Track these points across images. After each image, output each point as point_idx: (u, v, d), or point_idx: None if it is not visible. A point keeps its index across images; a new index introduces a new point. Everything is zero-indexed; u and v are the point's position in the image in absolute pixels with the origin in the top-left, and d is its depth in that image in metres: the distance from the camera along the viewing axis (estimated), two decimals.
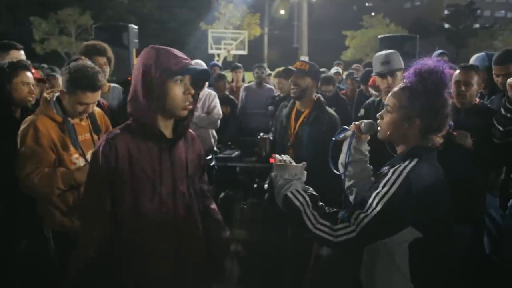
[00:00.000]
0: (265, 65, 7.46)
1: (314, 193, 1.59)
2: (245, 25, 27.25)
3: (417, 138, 1.57)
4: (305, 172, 1.66)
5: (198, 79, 1.64)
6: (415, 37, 5.74)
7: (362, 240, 1.46)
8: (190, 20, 30.06)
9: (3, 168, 2.49)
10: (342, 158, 1.86)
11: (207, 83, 4.59)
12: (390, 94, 1.64)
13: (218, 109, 4.60)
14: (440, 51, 5.21)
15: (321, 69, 7.60)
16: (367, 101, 3.41)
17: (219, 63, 11.24)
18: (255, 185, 4.42)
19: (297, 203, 1.53)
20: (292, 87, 3.10)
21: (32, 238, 2.69)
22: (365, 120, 1.79)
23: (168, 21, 31.59)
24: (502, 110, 2.72)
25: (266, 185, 3.75)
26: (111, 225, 1.55)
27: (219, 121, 4.62)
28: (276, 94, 5.59)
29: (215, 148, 4.76)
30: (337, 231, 1.44)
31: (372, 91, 4.43)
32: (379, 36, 5.95)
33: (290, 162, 1.66)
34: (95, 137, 2.45)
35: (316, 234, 1.47)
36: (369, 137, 1.86)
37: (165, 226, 1.60)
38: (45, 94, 2.41)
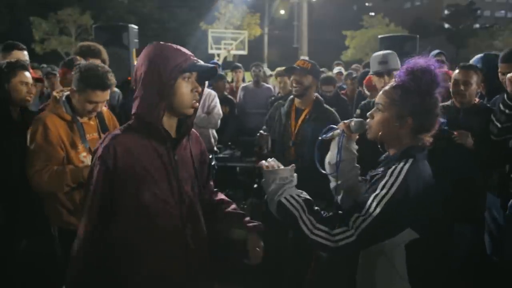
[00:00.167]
0: (265, 65, 7.46)
1: (308, 197, 1.55)
2: (245, 25, 27.24)
3: (408, 137, 1.56)
4: (295, 174, 1.61)
5: (204, 77, 1.62)
6: (415, 37, 5.74)
7: (362, 243, 1.44)
8: (190, 20, 30.05)
9: (2, 168, 2.48)
10: (330, 157, 1.82)
11: (206, 83, 4.59)
12: (381, 92, 1.61)
13: (219, 109, 4.60)
14: (437, 51, 5.21)
15: (321, 69, 7.62)
16: (363, 102, 3.42)
17: (219, 63, 11.24)
18: (255, 185, 4.41)
19: (292, 209, 1.49)
20: (294, 85, 3.10)
21: (33, 238, 2.69)
22: (355, 119, 1.76)
23: (168, 21, 31.59)
24: (501, 106, 2.72)
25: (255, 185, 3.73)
26: (110, 225, 1.53)
27: (219, 121, 4.62)
28: (277, 93, 5.60)
29: (215, 148, 4.76)
30: (336, 236, 1.41)
31: (365, 90, 4.43)
32: (379, 36, 5.94)
33: (278, 166, 1.60)
34: (103, 136, 2.46)
35: (313, 240, 1.43)
36: (357, 136, 1.82)
37: (170, 226, 1.57)
38: (54, 93, 2.47)
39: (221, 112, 4.64)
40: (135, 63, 1.67)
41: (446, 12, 44.75)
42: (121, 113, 3.36)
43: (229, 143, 5.24)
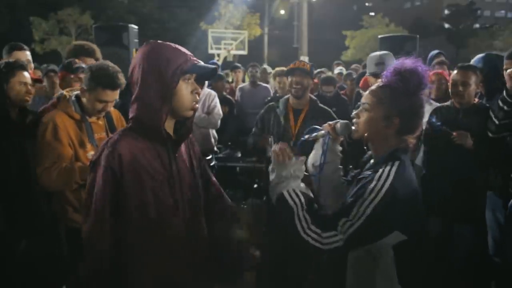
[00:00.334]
0: (265, 65, 7.47)
1: (310, 194, 1.55)
2: (245, 25, 27.22)
3: (394, 138, 1.55)
4: (304, 167, 1.60)
5: (203, 77, 1.62)
6: (415, 37, 5.74)
7: (349, 247, 1.47)
8: (190, 20, 30.01)
9: (1, 168, 2.48)
10: (313, 158, 1.81)
11: (206, 83, 4.59)
12: (368, 92, 1.61)
13: (219, 109, 4.60)
14: (436, 51, 5.21)
15: (321, 69, 7.63)
16: (358, 103, 3.43)
17: (219, 63, 11.24)
18: (255, 185, 4.41)
19: (291, 203, 1.50)
20: (295, 86, 3.13)
21: (32, 238, 2.69)
22: (341, 121, 1.74)
23: (168, 21, 31.55)
24: (500, 102, 2.71)
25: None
26: (118, 233, 1.49)
27: (219, 121, 4.62)
28: (273, 93, 5.60)
29: (215, 148, 4.76)
30: (325, 239, 1.43)
31: (362, 92, 4.42)
32: (379, 36, 5.94)
33: (289, 157, 1.58)
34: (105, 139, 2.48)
35: (304, 239, 1.45)
36: (342, 138, 1.81)
37: (173, 227, 1.55)
38: (65, 92, 2.52)
39: (221, 112, 4.64)
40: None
41: (446, 12, 44.71)
42: (121, 114, 3.35)
43: (229, 143, 5.24)
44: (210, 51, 21.32)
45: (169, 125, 1.56)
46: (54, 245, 2.85)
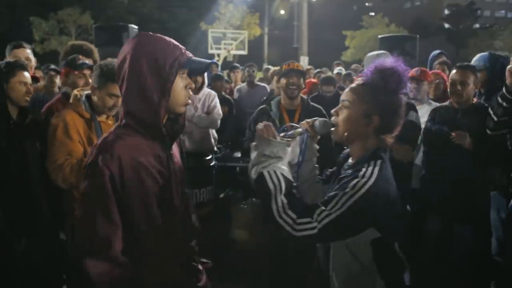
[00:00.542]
0: (265, 65, 7.48)
1: (290, 178, 1.50)
2: (245, 25, 27.22)
3: (373, 137, 1.55)
4: (289, 150, 1.56)
5: (194, 72, 1.57)
6: (415, 37, 5.74)
7: (321, 238, 1.45)
8: (190, 20, 30.01)
9: (1, 168, 2.48)
10: (290, 157, 1.70)
11: (206, 83, 4.59)
12: (347, 89, 1.60)
13: (218, 109, 4.59)
14: (438, 51, 5.21)
15: (322, 69, 7.63)
16: None
17: (219, 63, 11.25)
18: None
19: (271, 185, 1.44)
20: (291, 87, 3.16)
21: (32, 238, 2.69)
22: (319, 118, 1.72)
23: (168, 21, 31.53)
24: (499, 99, 2.70)
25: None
26: (123, 241, 1.41)
27: (219, 121, 4.61)
28: (269, 92, 5.61)
29: (215, 148, 4.76)
30: (299, 225, 1.40)
31: None
32: (379, 36, 5.95)
33: (275, 136, 1.54)
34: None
35: (278, 222, 1.41)
36: (319, 136, 1.79)
37: (174, 228, 1.52)
38: (75, 92, 2.59)
39: (221, 112, 4.64)
40: (126, 53, 1.49)
41: (446, 12, 44.73)
42: None
43: (229, 143, 5.23)
44: (210, 51, 21.33)
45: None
46: (54, 245, 2.85)
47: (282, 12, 31.88)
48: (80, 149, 2.43)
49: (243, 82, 6.69)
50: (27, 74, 2.64)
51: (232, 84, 6.78)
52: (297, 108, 3.23)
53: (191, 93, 1.49)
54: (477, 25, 42.59)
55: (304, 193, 1.75)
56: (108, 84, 2.36)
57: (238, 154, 4.95)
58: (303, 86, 3.26)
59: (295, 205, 1.44)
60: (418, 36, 5.80)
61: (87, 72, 2.88)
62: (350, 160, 1.64)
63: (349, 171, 1.54)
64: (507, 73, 2.62)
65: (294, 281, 3.24)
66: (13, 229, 2.57)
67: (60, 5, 26.21)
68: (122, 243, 1.40)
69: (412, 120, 2.97)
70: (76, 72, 2.89)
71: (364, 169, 1.47)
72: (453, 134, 2.84)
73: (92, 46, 3.38)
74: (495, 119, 2.72)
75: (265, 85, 6.23)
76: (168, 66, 1.40)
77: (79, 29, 27.06)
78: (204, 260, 1.72)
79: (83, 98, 2.50)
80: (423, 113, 3.31)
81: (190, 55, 1.47)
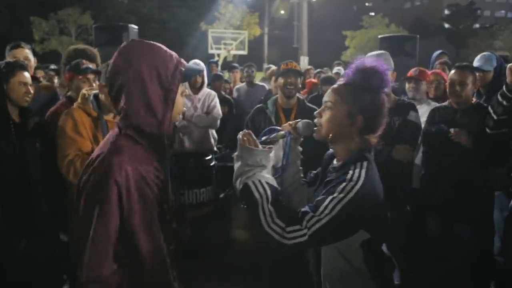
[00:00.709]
0: (265, 64, 7.49)
1: (275, 185, 1.50)
2: (245, 25, 27.23)
3: (358, 137, 1.54)
4: (271, 157, 1.55)
5: (186, 78, 1.49)
6: (415, 37, 5.74)
7: (312, 244, 1.45)
8: (190, 20, 30.02)
9: (1, 169, 2.48)
10: (273, 160, 1.69)
11: (206, 83, 4.59)
12: (330, 90, 1.59)
13: (218, 109, 4.59)
14: (440, 51, 5.21)
15: (322, 69, 7.63)
16: None
17: (219, 63, 11.26)
18: None
19: (257, 195, 1.44)
20: (289, 86, 3.19)
21: (32, 238, 2.69)
22: (302, 120, 1.69)
23: (168, 21, 31.55)
24: (499, 97, 2.70)
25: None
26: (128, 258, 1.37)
27: (218, 121, 4.61)
28: (268, 92, 5.61)
29: (215, 148, 4.75)
30: (289, 234, 1.39)
31: None
32: (379, 36, 5.95)
33: (256, 145, 1.52)
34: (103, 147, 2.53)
35: (268, 232, 1.41)
36: (302, 138, 1.77)
37: (169, 236, 1.50)
38: (84, 91, 2.66)
39: (220, 112, 4.63)
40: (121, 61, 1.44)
41: (446, 12, 44.76)
42: None
43: (229, 143, 5.23)
44: (210, 51, 21.34)
45: None
46: (54, 245, 2.85)
47: (282, 12, 31.91)
48: (89, 146, 2.50)
49: (242, 82, 6.69)
50: (27, 74, 2.64)
51: (231, 84, 6.78)
52: (293, 108, 3.25)
53: (185, 100, 1.46)
54: (477, 25, 42.62)
55: (290, 197, 1.74)
56: None
57: None
58: (300, 86, 3.26)
59: (283, 213, 1.43)
60: (418, 36, 5.80)
61: (91, 76, 2.88)
62: (335, 162, 1.62)
63: (336, 174, 1.52)
64: (507, 72, 2.62)
65: (294, 281, 3.24)
66: (13, 229, 2.56)
67: (60, 5, 26.23)
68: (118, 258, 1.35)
69: (413, 120, 2.97)
70: (80, 77, 2.89)
71: (351, 172, 1.45)
72: (451, 131, 2.84)
73: (95, 50, 3.38)
74: (495, 117, 2.72)
75: (264, 84, 6.23)
76: (170, 76, 1.37)
77: (79, 29, 27.07)
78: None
79: (91, 97, 2.56)
80: (422, 113, 3.31)
81: (185, 62, 1.45)
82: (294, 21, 28.39)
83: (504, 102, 2.66)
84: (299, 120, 1.70)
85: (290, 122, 1.72)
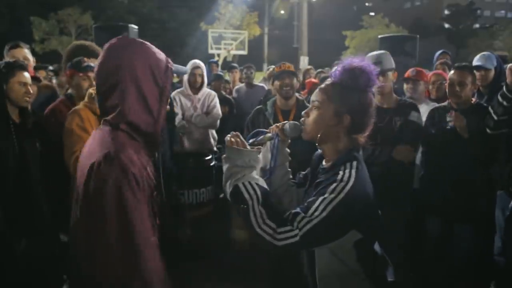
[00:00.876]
0: (265, 65, 7.51)
1: (265, 186, 1.49)
2: (244, 25, 27.22)
3: (345, 137, 1.54)
4: (260, 158, 1.55)
5: None
6: (415, 37, 5.74)
7: (304, 245, 1.44)
8: (190, 20, 30.01)
9: (1, 169, 2.48)
10: (261, 162, 1.67)
11: (206, 83, 4.59)
12: (317, 90, 1.59)
13: (218, 109, 4.59)
14: (441, 50, 5.21)
15: (322, 69, 7.62)
16: None
17: (219, 63, 11.26)
18: None
19: (247, 196, 1.43)
20: (285, 88, 3.21)
21: (32, 238, 2.69)
22: (289, 122, 1.69)
23: (168, 21, 31.53)
24: (499, 98, 2.70)
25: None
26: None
27: (218, 121, 4.61)
28: (267, 94, 5.61)
29: (215, 148, 4.76)
30: (280, 235, 1.38)
31: None
32: (379, 36, 5.95)
33: (244, 146, 1.53)
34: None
35: (259, 234, 1.40)
36: (289, 140, 1.76)
37: (158, 225, 1.48)
38: (90, 90, 2.70)
39: (220, 112, 4.64)
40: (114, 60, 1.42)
41: (446, 12, 44.72)
42: None
43: None
44: (210, 51, 21.35)
45: None
46: (54, 245, 2.85)
47: (282, 12, 31.89)
48: None
49: (241, 82, 6.70)
50: (26, 75, 2.64)
51: (231, 85, 6.79)
52: (292, 109, 3.25)
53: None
54: (477, 25, 42.60)
55: (280, 199, 1.73)
56: None
57: None
58: (297, 86, 3.27)
59: (274, 214, 1.42)
60: (418, 36, 5.81)
61: (91, 74, 2.88)
62: (324, 163, 1.62)
63: (326, 176, 1.52)
64: (507, 72, 2.62)
65: (294, 281, 3.24)
66: (13, 229, 2.57)
67: (60, 5, 26.21)
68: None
69: (414, 121, 2.97)
70: (81, 74, 2.89)
71: (341, 173, 1.45)
72: (452, 113, 2.84)
73: (98, 48, 3.38)
74: (495, 118, 2.72)
75: (264, 85, 6.24)
76: (162, 73, 1.38)
77: (79, 29, 27.06)
78: None
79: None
80: (422, 113, 3.31)
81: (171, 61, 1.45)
82: (294, 21, 28.38)
83: (504, 103, 2.66)
84: (286, 122, 1.70)
85: (277, 124, 1.72)
